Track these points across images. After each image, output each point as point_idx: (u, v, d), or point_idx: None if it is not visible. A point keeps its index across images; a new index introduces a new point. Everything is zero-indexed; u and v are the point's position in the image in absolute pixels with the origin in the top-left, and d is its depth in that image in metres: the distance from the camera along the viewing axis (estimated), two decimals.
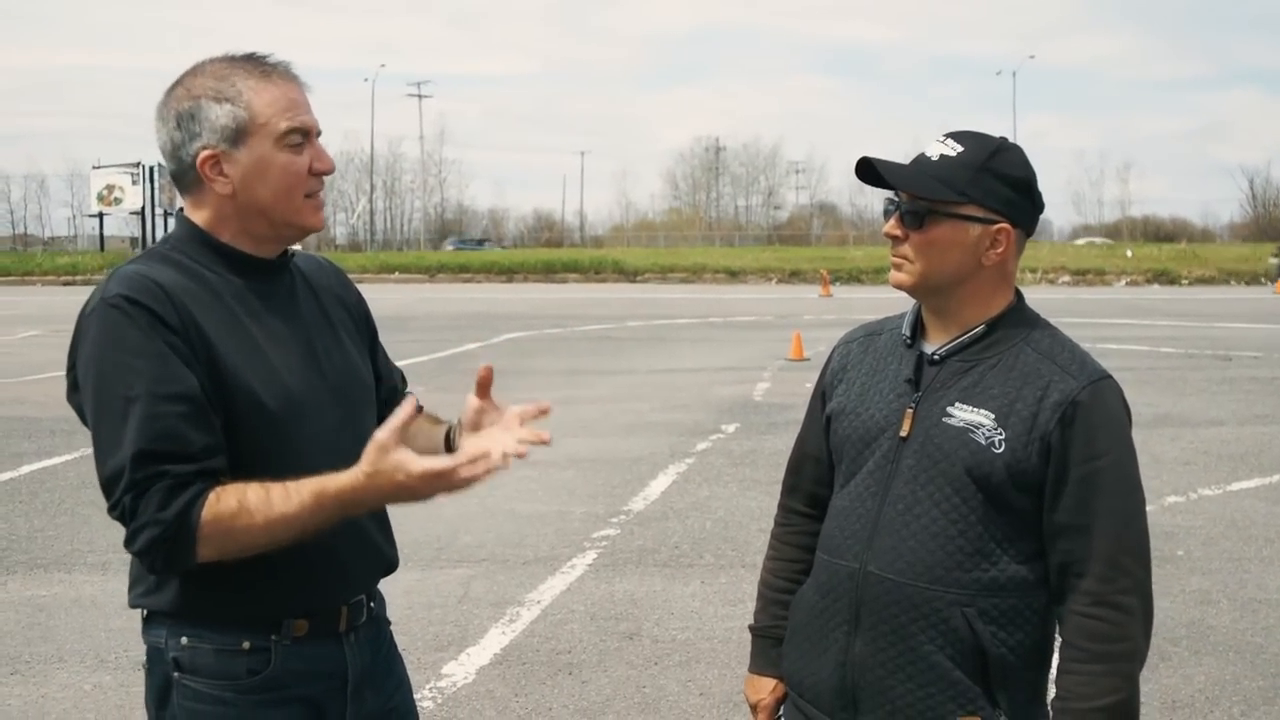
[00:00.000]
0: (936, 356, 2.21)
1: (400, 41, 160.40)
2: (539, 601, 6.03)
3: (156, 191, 56.88)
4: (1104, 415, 2.10)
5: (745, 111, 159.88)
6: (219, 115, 2.10)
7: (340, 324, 2.31)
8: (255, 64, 2.14)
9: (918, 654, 2.13)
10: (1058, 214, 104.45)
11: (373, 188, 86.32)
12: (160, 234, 59.53)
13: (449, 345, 17.57)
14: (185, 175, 2.15)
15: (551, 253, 51.06)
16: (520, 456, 2.00)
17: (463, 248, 68.59)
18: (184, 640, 2.10)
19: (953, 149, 2.19)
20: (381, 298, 30.32)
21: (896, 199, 2.23)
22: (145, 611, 2.16)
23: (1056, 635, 2.18)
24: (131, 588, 2.16)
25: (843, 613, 2.20)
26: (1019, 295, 2.26)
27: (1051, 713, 2.11)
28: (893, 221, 2.22)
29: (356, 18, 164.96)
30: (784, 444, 10.14)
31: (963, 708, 2.12)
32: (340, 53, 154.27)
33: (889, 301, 29.36)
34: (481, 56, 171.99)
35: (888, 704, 2.15)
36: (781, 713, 2.43)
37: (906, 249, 2.20)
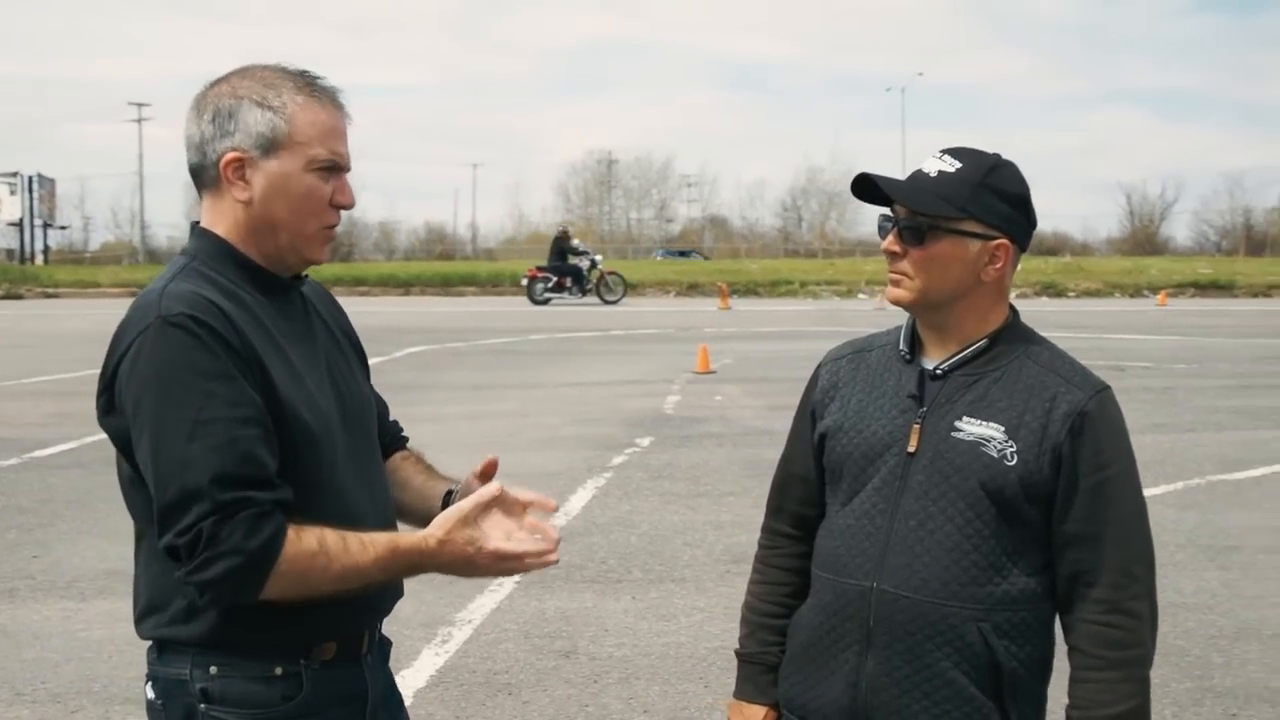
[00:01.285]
0: (939, 371, 2.21)
1: (289, 50, 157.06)
2: (470, 621, 5.94)
3: (36, 202, 55.37)
4: (1110, 425, 2.12)
5: (638, 125, 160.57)
6: (257, 120, 2.05)
7: (344, 349, 2.28)
8: (306, 81, 2.10)
9: (934, 671, 2.12)
10: None
11: None
12: (39, 245, 58.01)
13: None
14: (205, 173, 2.10)
15: (449, 265, 50.62)
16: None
17: (668, 257, 68.26)
18: (213, 670, 2.03)
19: (951, 165, 2.19)
20: None
21: (893, 215, 2.23)
22: (158, 643, 2.08)
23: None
24: (145, 617, 2.08)
25: (854, 632, 2.18)
26: (1014, 310, 2.28)
27: None
28: (891, 238, 2.21)
29: (244, 25, 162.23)
30: (699, 457, 10.19)
31: None
32: (228, 60, 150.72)
33: (788, 314, 29.71)
34: (372, 67, 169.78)
35: None
36: None
37: (905, 265, 2.20)
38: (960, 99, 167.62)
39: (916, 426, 2.18)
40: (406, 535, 2.00)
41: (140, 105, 78.47)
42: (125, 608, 6.19)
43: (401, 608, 6.61)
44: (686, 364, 16.78)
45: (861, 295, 39.34)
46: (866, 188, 2.25)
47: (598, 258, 34.83)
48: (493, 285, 39.55)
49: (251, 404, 1.94)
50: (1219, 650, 5.58)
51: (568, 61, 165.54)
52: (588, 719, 4.82)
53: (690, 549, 7.30)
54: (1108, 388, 2.16)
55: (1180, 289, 39.56)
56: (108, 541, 7.19)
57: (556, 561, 2.05)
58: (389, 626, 2.30)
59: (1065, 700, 2.15)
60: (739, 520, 7.96)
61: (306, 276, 2.22)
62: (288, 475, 1.98)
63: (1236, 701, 4.98)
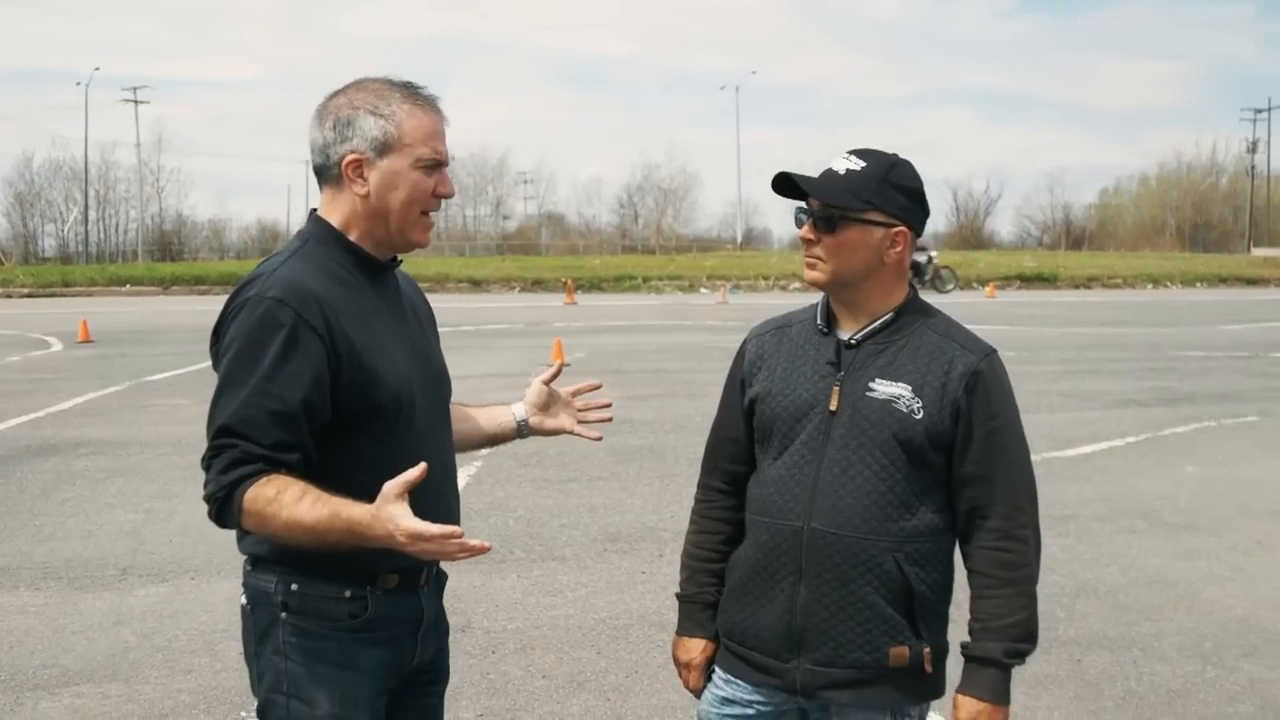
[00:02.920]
0: (853, 341, 2.56)
1: (116, 43, 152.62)
2: None
3: None
4: (998, 383, 2.51)
5: (474, 122, 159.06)
6: (372, 127, 2.42)
7: (425, 326, 2.66)
8: (411, 91, 2.47)
9: (857, 596, 2.46)
10: (778, 224, 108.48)
11: (86, 198, 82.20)
12: None
13: (203, 358, 16.46)
14: (329, 171, 2.48)
15: None
16: (596, 438, 2.83)
17: None
18: (293, 586, 2.42)
19: (857, 164, 2.54)
20: (118, 311, 29.19)
21: (807, 208, 2.56)
22: (252, 558, 2.47)
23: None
24: (244, 536, 2.46)
25: (788, 566, 2.51)
26: (913, 287, 2.64)
27: (971, 635, 2.49)
28: (806, 227, 2.56)
29: (69, 17, 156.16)
30: (565, 445, 10.44)
31: (894, 639, 2.48)
32: (50, 53, 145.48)
33: (633, 309, 30.15)
34: (203, 60, 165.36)
35: (830, 642, 2.48)
36: (714, 667, 2.72)
37: (819, 250, 2.55)
38: (793, 97, 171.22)
39: (836, 389, 2.52)
40: (355, 505, 2.22)
41: None
42: (40, 599, 6.23)
43: None
44: (541, 357, 17.00)
45: (703, 290, 40.05)
46: (784, 185, 2.59)
47: (934, 253, 36.50)
48: None
49: (290, 387, 2.30)
50: (1062, 606, 6.10)
51: (403, 57, 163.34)
52: (490, 685, 5.08)
53: (568, 530, 7.60)
54: (995, 351, 2.54)
55: (1007, 281, 41.22)
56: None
57: (486, 549, 2.20)
58: None
59: (966, 618, 2.52)
60: (610, 503, 8.29)
61: (399, 260, 2.59)
62: (369, 429, 2.38)
63: (1080, 649, 5.48)
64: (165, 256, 75.57)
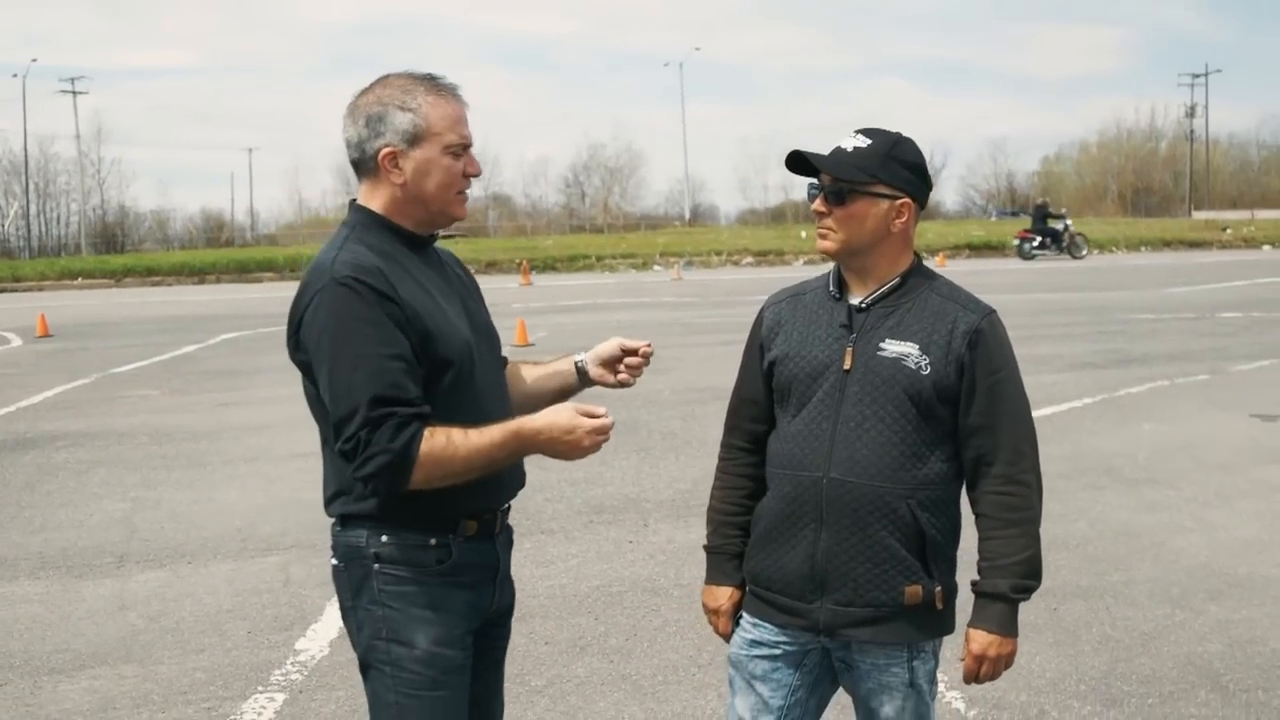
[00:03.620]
0: (863, 305, 2.77)
1: (51, 34, 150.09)
2: None
3: None
4: (998, 339, 2.73)
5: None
6: (402, 121, 2.64)
7: (473, 291, 2.88)
8: (433, 83, 2.69)
9: (874, 539, 2.68)
10: (725, 199, 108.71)
11: (27, 191, 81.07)
12: None
13: (166, 349, 17.15)
14: (366, 164, 2.69)
15: (244, 252, 49.49)
16: (628, 380, 3.00)
17: (1004, 217, 68.12)
18: (384, 539, 2.64)
19: (863, 141, 2.75)
20: (73, 304, 29.01)
21: (819, 183, 2.77)
22: (341, 518, 2.69)
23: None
24: (333, 500, 2.70)
25: (810, 514, 2.72)
26: (917, 255, 2.85)
27: (980, 574, 2.71)
28: (819, 200, 2.76)
29: (1, 8, 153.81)
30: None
31: (908, 579, 2.69)
32: None
33: (589, 288, 30.35)
34: (141, 49, 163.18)
35: (851, 582, 2.70)
36: (741, 613, 2.93)
37: (830, 222, 2.76)
38: (737, 73, 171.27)
39: (849, 349, 2.73)
40: (512, 421, 2.59)
41: None
42: (41, 588, 6.37)
43: (292, 572, 6.95)
44: (504, 339, 17.13)
45: (657, 267, 40.26)
46: (797, 163, 2.79)
47: (1069, 221, 40.81)
48: (290, 270, 39.00)
49: (399, 344, 2.52)
50: None
51: (343, 40, 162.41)
52: None
53: (552, 504, 7.79)
54: (994, 311, 2.76)
55: (957, 250, 41.76)
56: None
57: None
58: (284, 589, 2.72)
59: (973, 560, 2.75)
60: (590, 477, 8.49)
61: (438, 236, 2.83)
62: (440, 385, 2.59)
63: (1056, 599, 5.74)
64: (109, 249, 74.53)
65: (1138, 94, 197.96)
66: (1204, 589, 5.92)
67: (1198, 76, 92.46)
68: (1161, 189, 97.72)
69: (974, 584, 2.74)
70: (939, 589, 2.73)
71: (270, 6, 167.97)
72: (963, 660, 2.76)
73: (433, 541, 2.65)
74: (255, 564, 6.65)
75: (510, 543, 2.91)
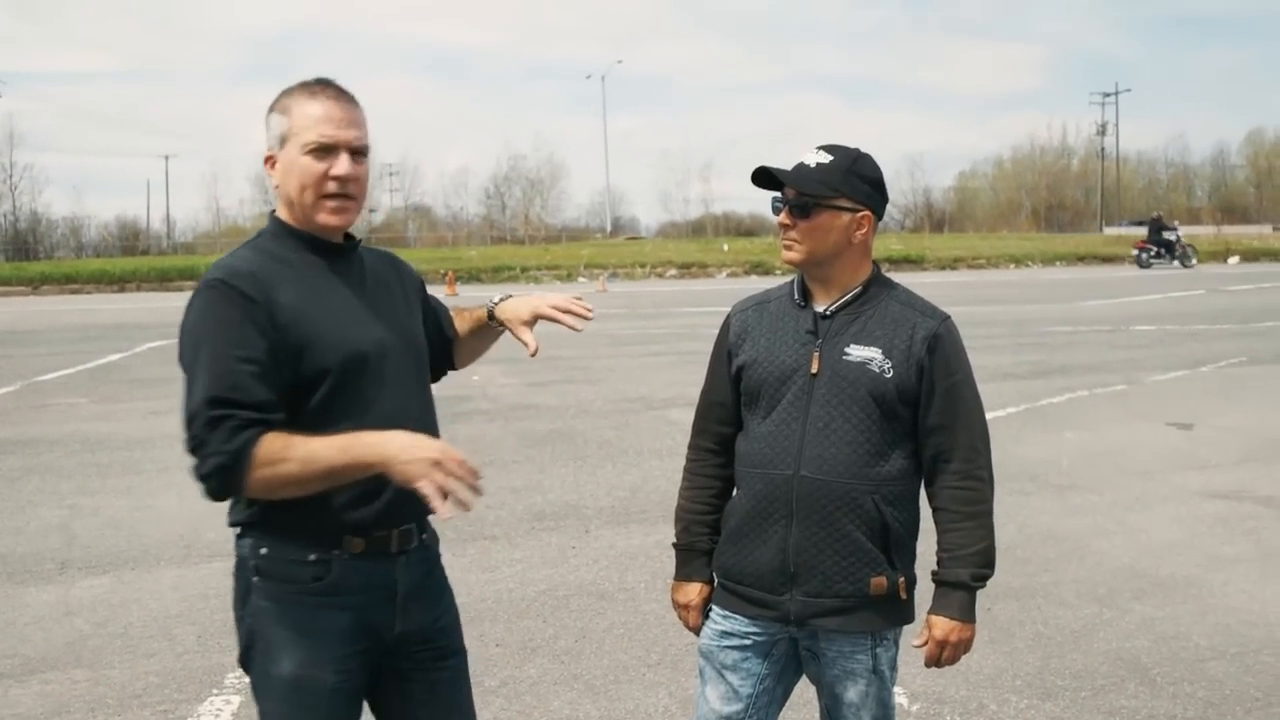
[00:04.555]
0: (828, 312, 2.92)
1: None
2: None
3: None
4: (954, 344, 2.90)
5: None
6: (276, 124, 2.61)
7: (397, 296, 2.81)
8: (310, 86, 2.62)
9: (842, 533, 2.83)
10: (646, 212, 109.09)
11: None
12: None
13: (91, 357, 16.97)
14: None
15: (165, 260, 48.96)
16: (574, 319, 2.93)
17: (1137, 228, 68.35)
18: (263, 551, 2.57)
19: (825, 158, 2.90)
20: None
21: (783, 197, 2.91)
22: (239, 527, 2.63)
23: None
24: (231, 509, 2.63)
25: (780, 510, 2.86)
26: (875, 264, 3.00)
27: (940, 564, 2.87)
28: (784, 214, 2.91)
29: None
30: (475, 431, 10.71)
31: (873, 571, 2.84)
32: None
33: None
34: (56, 52, 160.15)
35: (820, 574, 2.84)
36: (711, 607, 3.06)
37: (795, 234, 2.90)
38: (658, 85, 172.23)
39: (816, 354, 2.88)
40: (361, 433, 2.45)
41: None
42: None
43: None
44: None
45: (582, 279, 40.37)
46: (762, 178, 2.93)
47: (1180, 234, 45.43)
48: None
49: (254, 346, 2.44)
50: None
51: (260, 48, 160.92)
52: None
53: (494, 511, 7.87)
54: (950, 317, 2.93)
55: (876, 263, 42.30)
56: None
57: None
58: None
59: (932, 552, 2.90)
60: (529, 484, 8.59)
61: (358, 242, 2.76)
62: (319, 390, 2.51)
63: (989, 599, 5.81)
64: (21, 256, 73.25)
65: (1050, 111, 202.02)
66: (1129, 588, 6.17)
67: (1108, 95, 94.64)
68: (1074, 205, 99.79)
69: (934, 574, 2.90)
70: (902, 579, 2.89)
71: (188, 12, 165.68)
72: (921, 646, 2.91)
73: (311, 557, 2.56)
74: (200, 570, 6.66)
75: (427, 563, 2.78)
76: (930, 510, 2.94)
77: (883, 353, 2.85)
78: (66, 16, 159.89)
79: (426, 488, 2.32)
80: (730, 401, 3.04)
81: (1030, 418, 11.10)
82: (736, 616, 2.97)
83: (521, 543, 7.19)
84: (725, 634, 2.99)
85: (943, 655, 2.89)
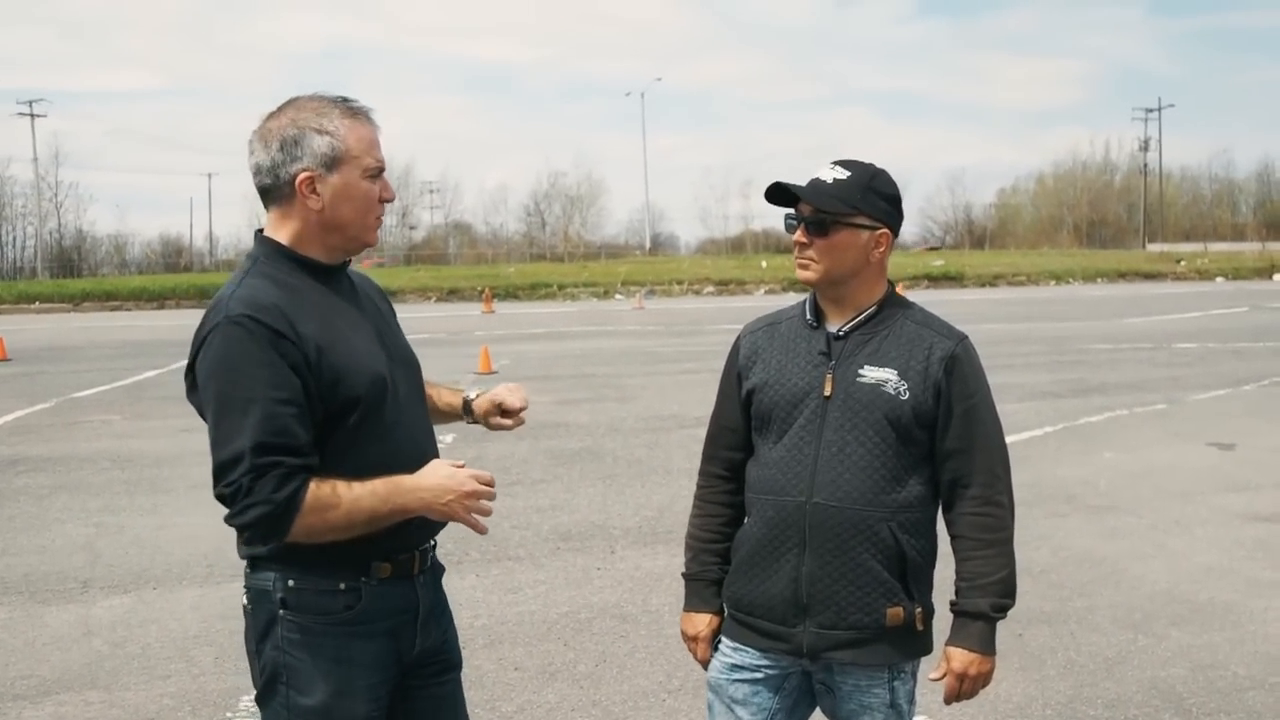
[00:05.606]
0: (841, 333, 2.81)
1: (7, 55, 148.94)
2: None
3: None
4: (972, 364, 2.79)
5: (380, 130, 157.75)
6: (319, 144, 2.53)
7: (385, 314, 2.80)
8: (347, 105, 2.60)
9: (857, 563, 2.71)
10: (685, 229, 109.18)
11: None
12: None
13: (129, 373, 17.03)
14: (280, 190, 2.57)
15: (204, 277, 49.36)
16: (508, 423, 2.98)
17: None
18: (290, 583, 2.53)
19: (843, 174, 2.80)
20: (31, 328, 28.73)
21: (798, 214, 2.81)
22: (251, 559, 2.56)
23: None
24: (244, 543, 2.55)
25: (793, 538, 2.76)
26: (890, 283, 2.90)
27: (958, 594, 2.76)
28: (800, 231, 2.80)
29: None
30: (505, 449, 10.64)
31: (890, 601, 2.73)
32: None
33: (551, 316, 30.38)
34: (100, 71, 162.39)
35: (834, 605, 2.73)
36: (720, 638, 2.95)
37: (811, 252, 2.80)
38: (698, 102, 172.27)
39: (829, 376, 2.77)
40: (393, 478, 2.50)
41: None
42: (4, 614, 6.29)
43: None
44: (468, 365, 17.15)
45: (619, 296, 40.33)
46: (776, 194, 2.83)
47: None
48: None
49: (291, 387, 2.42)
50: None
51: (304, 66, 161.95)
52: (467, 680, 5.21)
53: (519, 531, 7.80)
54: (967, 337, 2.82)
55: (916, 281, 42.08)
56: None
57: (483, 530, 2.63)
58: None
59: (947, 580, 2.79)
60: (557, 504, 8.50)
61: (348, 262, 2.72)
62: (346, 420, 2.50)
63: (1020, 624, 5.80)
64: (65, 273, 74.12)
65: (1092, 127, 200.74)
66: (1165, 614, 6.00)
67: (1151, 111, 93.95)
68: (1116, 221, 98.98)
69: (953, 604, 2.78)
70: (919, 610, 2.77)
71: (233, 30, 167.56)
72: (939, 679, 2.79)
73: (341, 586, 2.55)
74: (222, 590, 6.61)
75: (437, 580, 2.82)
76: (948, 537, 2.83)
77: (898, 374, 2.75)
78: (112, 36, 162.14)
79: (468, 520, 2.53)
80: (741, 426, 2.94)
81: (1068, 437, 10.91)
82: (747, 649, 2.86)
83: (546, 563, 7.10)
84: (735, 667, 2.89)
85: (962, 689, 2.77)
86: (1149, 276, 49.21)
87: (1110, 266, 50.78)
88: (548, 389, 14.55)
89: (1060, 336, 21.79)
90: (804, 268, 2.82)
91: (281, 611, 2.53)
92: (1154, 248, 73.46)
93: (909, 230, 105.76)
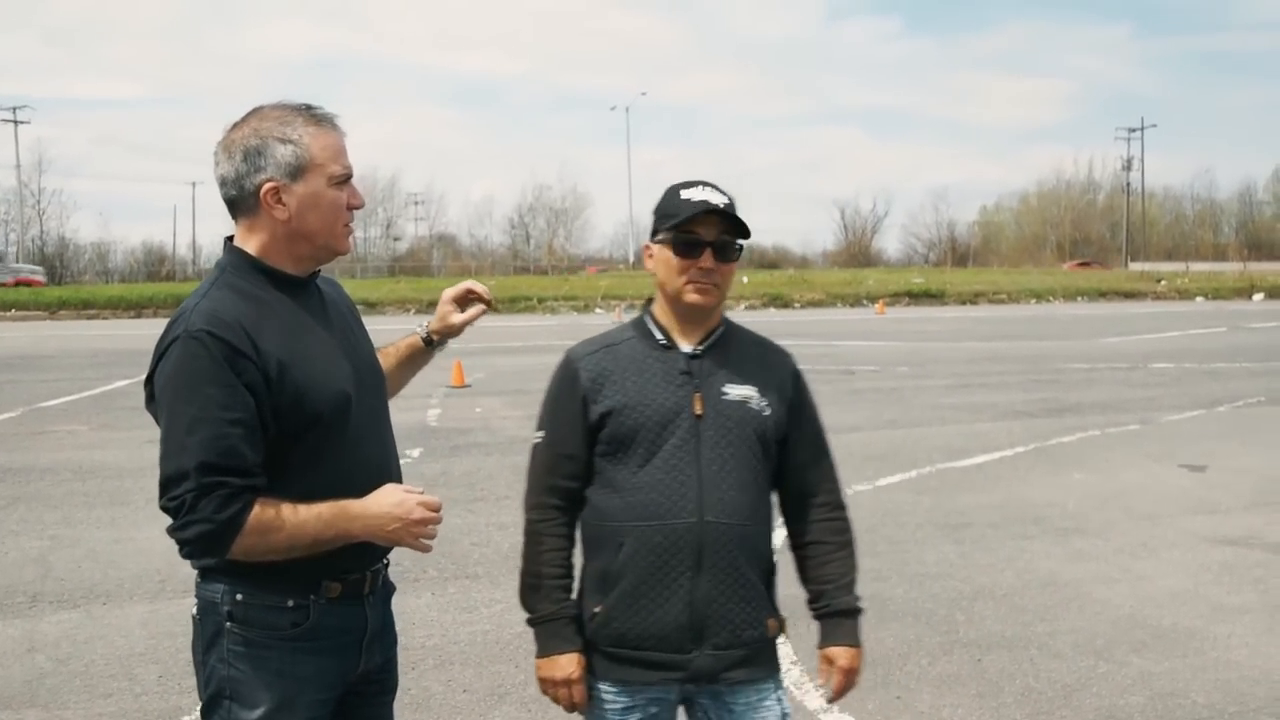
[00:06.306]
0: (698, 352, 2.80)
1: None
2: None
3: None
4: (807, 380, 2.94)
5: (363, 141, 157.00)
6: (283, 153, 2.50)
7: (352, 324, 2.77)
8: (311, 113, 2.56)
9: (745, 578, 2.74)
10: None
11: None
12: None
13: (97, 383, 16.80)
14: (245, 202, 2.54)
15: (182, 286, 49.05)
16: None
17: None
18: (239, 596, 2.51)
19: (728, 197, 2.79)
20: (5, 336, 28.54)
21: (702, 238, 2.73)
22: (202, 570, 2.53)
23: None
24: None
25: (685, 561, 2.69)
26: None
27: (822, 596, 2.85)
28: (707, 256, 2.73)
29: None
30: (471, 465, 10.56)
31: (766, 613, 2.80)
32: None
33: (530, 329, 30.27)
34: (85, 78, 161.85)
35: (729, 625, 2.72)
36: (596, 684, 2.78)
37: (716, 277, 2.76)
38: (683, 116, 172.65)
39: (697, 395, 2.75)
40: (338, 502, 2.50)
41: None
42: None
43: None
44: (441, 379, 17.01)
45: (599, 310, 40.26)
46: (704, 213, 2.75)
47: None
48: None
49: (243, 407, 2.40)
50: (961, 609, 6.37)
51: (291, 76, 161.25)
52: (414, 701, 5.16)
53: (479, 548, 7.69)
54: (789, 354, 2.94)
55: (896, 298, 42.12)
56: None
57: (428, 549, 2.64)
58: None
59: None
60: (516, 522, 8.32)
61: (319, 273, 2.70)
62: (308, 435, 2.49)
63: (979, 649, 5.73)
64: (49, 280, 73.71)
65: (1076, 146, 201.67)
66: (1128, 640, 5.93)
67: (1134, 130, 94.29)
68: (1099, 240, 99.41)
69: (825, 606, 2.85)
70: (783, 618, 2.87)
71: (218, 40, 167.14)
72: (825, 683, 2.87)
73: (290, 603, 2.53)
74: (172, 605, 6.49)
75: (387, 600, 2.80)
76: (790, 546, 2.94)
77: (758, 391, 2.80)
78: (98, 44, 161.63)
79: (415, 544, 2.55)
80: (583, 454, 2.79)
81: (1039, 458, 10.85)
82: (634, 686, 2.75)
83: (504, 582, 6.98)
84: (628, 709, 2.77)
85: (847, 684, 2.85)
86: (1129, 295, 49.34)
87: (1091, 285, 50.91)
88: (520, 404, 14.46)
89: (1037, 355, 21.77)
90: (704, 292, 2.77)
91: (228, 624, 2.51)
92: (1136, 267, 73.71)
93: (893, 247, 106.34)
